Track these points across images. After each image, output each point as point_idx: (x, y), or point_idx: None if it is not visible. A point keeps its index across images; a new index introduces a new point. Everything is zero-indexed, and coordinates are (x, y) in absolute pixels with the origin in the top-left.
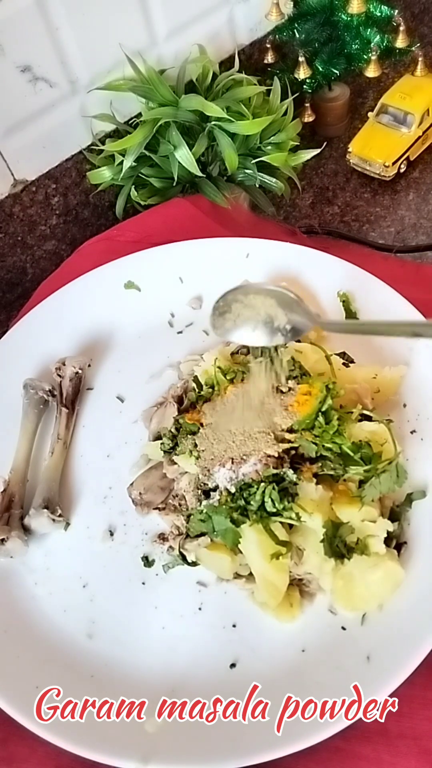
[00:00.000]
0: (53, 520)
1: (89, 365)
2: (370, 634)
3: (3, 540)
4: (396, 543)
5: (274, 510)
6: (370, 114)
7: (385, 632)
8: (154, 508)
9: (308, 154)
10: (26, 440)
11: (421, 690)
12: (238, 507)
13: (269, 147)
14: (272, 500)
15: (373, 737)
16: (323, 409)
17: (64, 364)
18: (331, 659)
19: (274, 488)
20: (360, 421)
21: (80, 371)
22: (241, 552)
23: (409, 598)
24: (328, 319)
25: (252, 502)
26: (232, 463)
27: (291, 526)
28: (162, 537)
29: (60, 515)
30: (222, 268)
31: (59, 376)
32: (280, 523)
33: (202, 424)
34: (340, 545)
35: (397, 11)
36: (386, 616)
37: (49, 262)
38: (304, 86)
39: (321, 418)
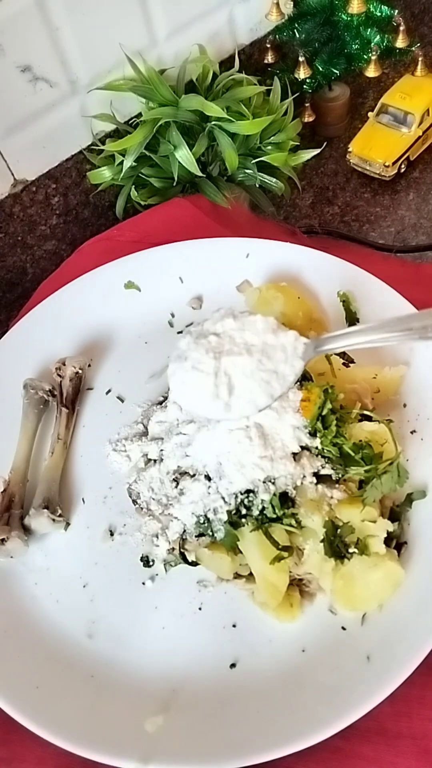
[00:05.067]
0: (53, 520)
1: (89, 365)
2: (370, 634)
3: (3, 540)
4: (396, 543)
5: (275, 516)
6: (370, 114)
7: (385, 632)
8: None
9: (308, 154)
10: (26, 440)
11: (420, 690)
12: (236, 510)
13: (269, 147)
14: (273, 506)
15: (373, 737)
16: (322, 413)
17: (64, 364)
18: (331, 659)
19: (275, 494)
20: (360, 421)
21: (80, 371)
22: (240, 552)
23: (409, 598)
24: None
25: (253, 508)
26: None
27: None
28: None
29: (60, 515)
30: (222, 268)
31: (59, 376)
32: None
33: None
34: (340, 545)
35: (397, 11)
36: (386, 616)
37: (49, 262)
38: (304, 86)
39: (320, 423)
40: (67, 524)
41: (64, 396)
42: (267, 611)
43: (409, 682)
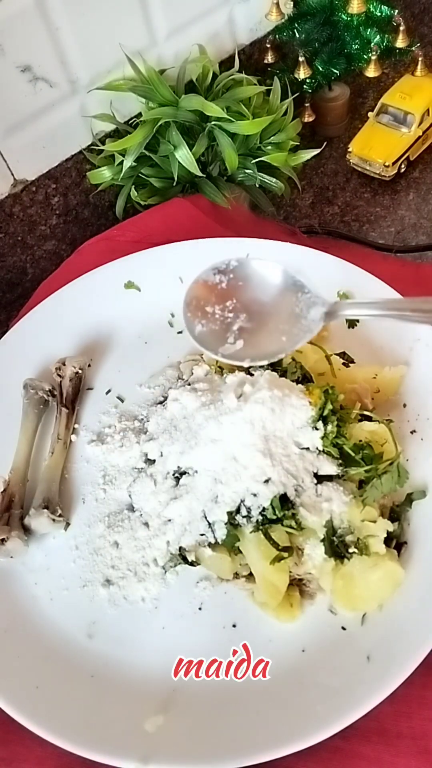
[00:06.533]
0: (53, 520)
1: (89, 365)
2: (370, 634)
3: (3, 540)
4: (396, 543)
5: (275, 517)
6: (370, 114)
7: (385, 632)
8: None
9: (308, 154)
10: (26, 440)
11: (419, 690)
12: (237, 511)
13: (269, 147)
14: (273, 507)
15: (373, 737)
16: (323, 414)
17: (64, 364)
18: (331, 659)
19: (275, 495)
20: (360, 421)
21: (80, 371)
22: (240, 552)
23: (409, 598)
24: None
25: (253, 509)
26: None
27: None
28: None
29: (60, 515)
30: None
31: (59, 376)
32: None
33: None
34: (340, 545)
35: (397, 11)
36: (386, 616)
37: (49, 262)
38: (304, 86)
39: (320, 424)
40: (67, 524)
41: (63, 396)
42: (267, 611)
43: (408, 682)
